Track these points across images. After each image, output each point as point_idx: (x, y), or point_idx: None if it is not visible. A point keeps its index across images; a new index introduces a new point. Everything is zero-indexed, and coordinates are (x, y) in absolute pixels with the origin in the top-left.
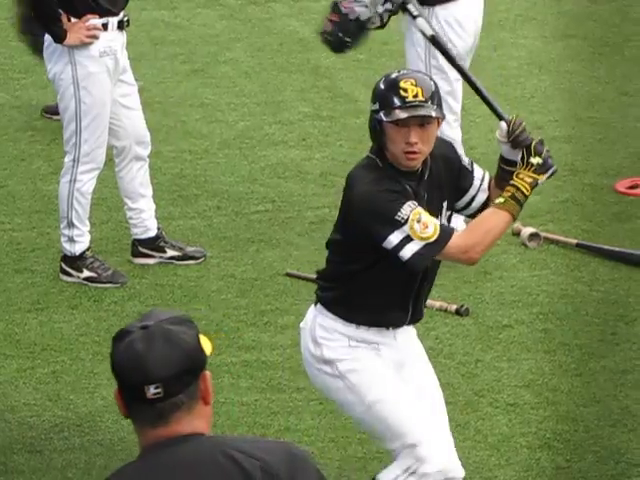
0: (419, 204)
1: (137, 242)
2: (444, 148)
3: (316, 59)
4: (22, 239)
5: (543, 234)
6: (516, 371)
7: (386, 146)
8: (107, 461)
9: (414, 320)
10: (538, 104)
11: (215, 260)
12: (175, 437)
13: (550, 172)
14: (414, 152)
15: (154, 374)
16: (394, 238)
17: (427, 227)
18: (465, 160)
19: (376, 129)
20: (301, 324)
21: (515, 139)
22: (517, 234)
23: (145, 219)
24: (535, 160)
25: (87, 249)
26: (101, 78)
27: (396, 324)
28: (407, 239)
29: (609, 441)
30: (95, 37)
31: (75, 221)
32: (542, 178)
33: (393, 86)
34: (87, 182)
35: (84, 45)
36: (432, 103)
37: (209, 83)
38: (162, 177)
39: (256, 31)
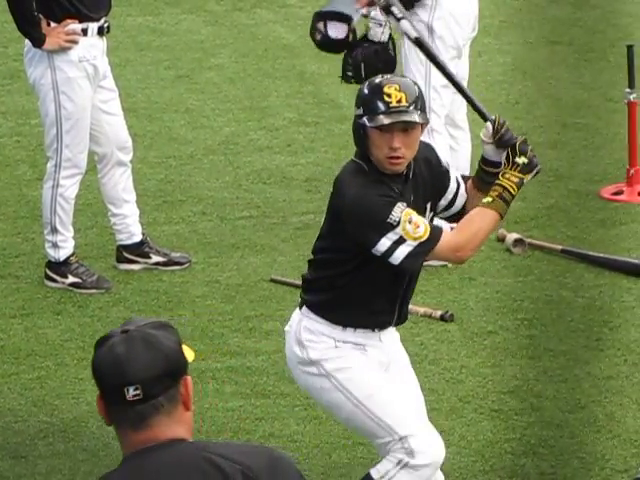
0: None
1: (122, 248)
2: (424, 150)
3: (301, 65)
4: (7, 245)
5: (528, 240)
6: (501, 377)
7: (370, 151)
8: (92, 467)
9: (399, 322)
10: (523, 110)
11: (200, 266)
12: (157, 443)
13: (535, 171)
14: (397, 157)
15: (133, 375)
16: (387, 241)
17: (418, 227)
18: (444, 163)
19: (360, 134)
20: (286, 327)
21: (500, 138)
22: (502, 240)
23: (129, 225)
24: (521, 160)
25: (71, 255)
26: (81, 83)
27: (382, 326)
28: (399, 241)
29: (594, 447)
30: (74, 42)
31: (59, 227)
32: (528, 177)
33: (377, 91)
34: (70, 187)
35: (63, 50)
36: (416, 108)
37: (194, 89)
38: (147, 183)
39: (241, 37)
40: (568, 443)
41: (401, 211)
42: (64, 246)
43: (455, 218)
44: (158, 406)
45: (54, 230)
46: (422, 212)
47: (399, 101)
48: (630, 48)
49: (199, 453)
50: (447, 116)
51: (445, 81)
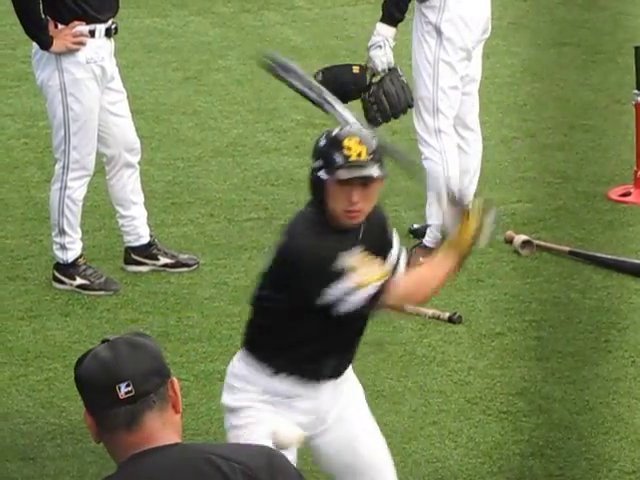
0: None
1: (130, 250)
2: (375, 209)
3: (309, 67)
4: (15, 247)
5: (536, 242)
6: (509, 379)
7: (326, 204)
8: (100, 469)
9: (333, 377)
10: (531, 111)
11: (208, 267)
12: (151, 447)
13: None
14: (356, 211)
15: (124, 372)
16: (339, 289)
17: (372, 269)
18: (390, 231)
19: (317, 186)
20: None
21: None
22: (510, 242)
23: (137, 226)
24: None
25: (80, 256)
26: (88, 85)
27: (315, 377)
28: (355, 288)
29: (602, 449)
30: (81, 44)
31: (66, 228)
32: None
33: (336, 144)
34: (77, 189)
35: (70, 52)
36: (374, 161)
37: (202, 91)
38: (155, 184)
39: (249, 39)
40: (576, 445)
41: (353, 259)
42: (72, 248)
43: None
44: (150, 403)
45: (62, 232)
46: None
47: (359, 155)
48: (638, 50)
49: (198, 455)
50: (458, 117)
51: (453, 82)
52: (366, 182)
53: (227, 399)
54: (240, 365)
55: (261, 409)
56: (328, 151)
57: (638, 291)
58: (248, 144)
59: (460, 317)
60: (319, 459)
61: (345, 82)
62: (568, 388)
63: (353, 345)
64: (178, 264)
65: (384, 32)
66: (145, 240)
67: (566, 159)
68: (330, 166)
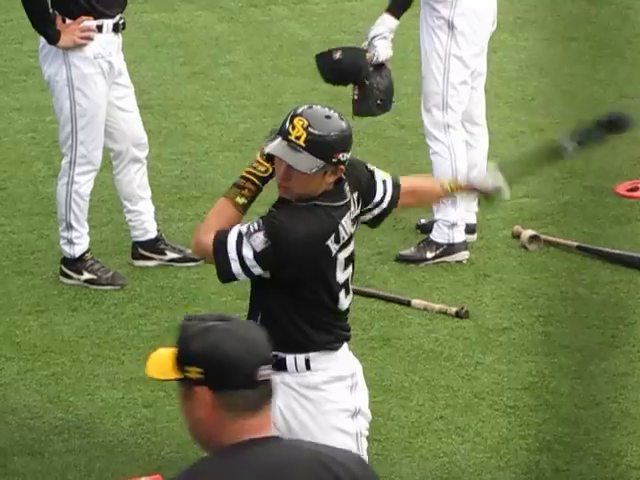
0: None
1: (137, 244)
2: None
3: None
4: (22, 241)
5: (543, 237)
6: (516, 374)
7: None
8: (107, 463)
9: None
10: (538, 106)
11: None
12: (261, 436)
13: None
14: (281, 185)
15: (267, 354)
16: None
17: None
18: (377, 175)
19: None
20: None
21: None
22: (517, 237)
23: (144, 221)
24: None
25: (87, 251)
26: (96, 80)
27: (341, 340)
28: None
29: (609, 444)
30: (89, 39)
31: (73, 223)
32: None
33: (291, 116)
34: (84, 184)
35: (78, 47)
36: (309, 152)
37: (209, 85)
38: (162, 179)
39: (256, 34)
40: (583, 440)
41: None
42: (79, 242)
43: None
44: (272, 389)
45: (69, 227)
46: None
47: (297, 138)
48: None
49: (312, 455)
50: (465, 112)
51: (464, 77)
52: (290, 165)
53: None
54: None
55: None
56: (284, 119)
57: None
58: (255, 139)
59: (467, 312)
60: None
61: (363, 65)
62: (575, 383)
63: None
64: (185, 259)
65: (389, 24)
66: (152, 235)
67: None
68: (273, 133)
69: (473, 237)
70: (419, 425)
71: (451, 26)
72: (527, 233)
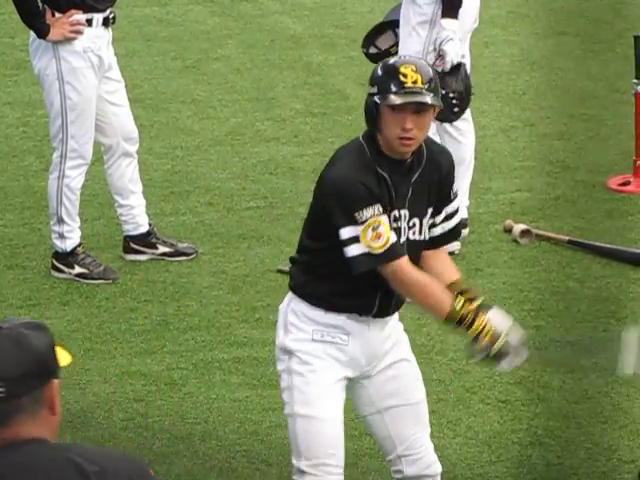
0: (399, 200)
1: (128, 238)
2: (442, 156)
3: (308, 56)
4: (14, 235)
5: (535, 231)
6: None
7: (381, 130)
8: None
9: (381, 314)
10: (530, 101)
11: (207, 256)
12: (15, 441)
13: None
14: (409, 138)
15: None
16: (346, 232)
17: (379, 238)
18: (451, 184)
19: (372, 112)
20: (280, 305)
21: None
22: (509, 231)
23: (136, 215)
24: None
25: (78, 245)
26: (86, 73)
27: (363, 311)
28: (355, 239)
29: (600, 438)
30: (79, 32)
31: (65, 217)
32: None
33: (393, 71)
34: (75, 178)
35: (68, 40)
36: (429, 90)
37: (201, 80)
38: (154, 173)
39: (248, 28)
40: (575, 434)
41: (371, 215)
42: (70, 237)
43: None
44: (20, 406)
45: (60, 221)
46: (421, 215)
47: (415, 82)
48: (637, 39)
49: (60, 453)
50: None
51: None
52: (419, 109)
53: (284, 340)
54: (296, 302)
55: (318, 356)
56: (384, 77)
57: (637, 280)
58: (247, 133)
59: None
60: (359, 400)
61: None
62: (567, 377)
63: (391, 290)
64: (177, 253)
65: (449, 26)
66: (144, 229)
67: (565, 148)
68: (385, 92)
69: (465, 231)
70: None
71: (433, 24)
72: (519, 227)
